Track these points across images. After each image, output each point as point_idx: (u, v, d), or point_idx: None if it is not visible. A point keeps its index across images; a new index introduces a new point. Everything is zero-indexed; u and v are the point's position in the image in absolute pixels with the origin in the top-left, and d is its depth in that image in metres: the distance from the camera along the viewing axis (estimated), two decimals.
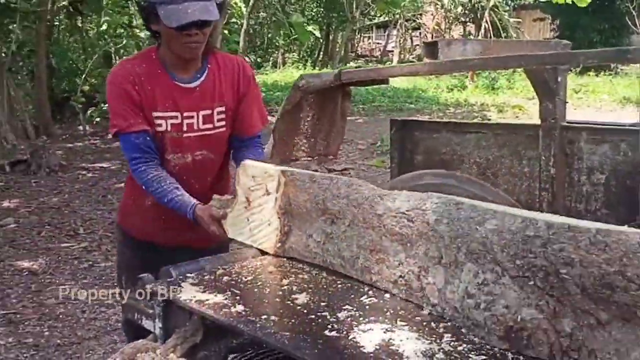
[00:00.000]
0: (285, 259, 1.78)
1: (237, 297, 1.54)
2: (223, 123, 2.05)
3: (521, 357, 1.13)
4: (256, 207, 1.77)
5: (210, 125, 2.03)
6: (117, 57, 12.73)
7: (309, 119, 1.83)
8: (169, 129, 2.01)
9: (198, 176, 2.12)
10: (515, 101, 14.46)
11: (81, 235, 5.58)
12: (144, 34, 11.24)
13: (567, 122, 1.89)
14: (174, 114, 2.00)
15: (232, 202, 1.85)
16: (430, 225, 1.29)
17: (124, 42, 12.78)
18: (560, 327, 1.08)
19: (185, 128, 2.02)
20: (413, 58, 26.36)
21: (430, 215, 1.30)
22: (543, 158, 1.87)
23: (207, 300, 1.53)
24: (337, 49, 20.81)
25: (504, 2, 20.05)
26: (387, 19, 28.17)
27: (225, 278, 1.68)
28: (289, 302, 1.51)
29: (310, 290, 1.57)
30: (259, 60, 23.59)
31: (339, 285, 1.59)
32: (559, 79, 1.78)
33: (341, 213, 1.53)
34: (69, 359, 3.47)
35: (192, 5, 1.81)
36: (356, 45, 33.87)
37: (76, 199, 6.85)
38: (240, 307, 1.47)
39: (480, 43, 1.49)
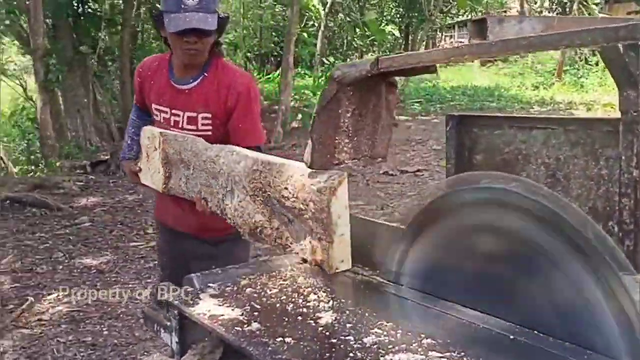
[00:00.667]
0: (319, 271, 1.61)
1: (256, 313, 1.38)
2: (209, 128, 2.22)
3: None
4: (151, 159, 2.26)
5: (193, 127, 2.23)
6: None
7: (349, 115, 1.62)
8: (161, 120, 2.30)
9: None
10: (606, 99, 13.51)
11: (150, 234, 5.62)
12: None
13: None
14: (165, 108, 2.28)
15: (141, 158, 2.37)
16: (220, 165, 1.89)
17: None
18: (273, 225, 1.73)
19: (172, 124, 2.27)
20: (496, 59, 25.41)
21: (222, 159, 1.90)
22: (624, 158, 1.56)
23: (222, 315, 1.37)
24: (416, 49, 20.31)
25: None
26: (470, 17, 27.31)
27: (249, 290, 1.52)
28: (311, 321, 1.33)
29: (338, 308, 1.38)
30: (337, 62, 23.47)
31: (373, 302, 1.40)
32: None
33: (189, 161, 2.06)
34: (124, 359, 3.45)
35: (192, 15, 2.03)
36: (437, 44, 33.15)
37: (149, 198, 6.93)
38: (255, 325, 1.31)
39: (542, 20, 1.23)
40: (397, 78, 1.68)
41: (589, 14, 17.06)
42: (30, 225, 5.90)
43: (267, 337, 1.25)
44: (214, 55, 2.23)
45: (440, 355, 1.13)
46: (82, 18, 9.94)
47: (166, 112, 2.28)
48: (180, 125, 2.25)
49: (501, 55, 1.12)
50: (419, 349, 1.16)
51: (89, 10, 10.14)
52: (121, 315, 3.97)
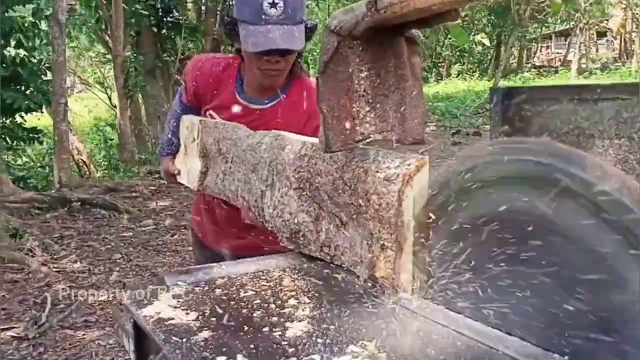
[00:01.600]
0: (318, 274, 1.31)
1: (214, 319, 1.08)
2: None
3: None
4: (189, 152, 1.97)
5: None
6: None
7: (364, 76, 1.28)
8: None
9: None
10: None
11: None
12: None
13: None
14: (223, 122, 1.89)
15: (179, 153, 2.07)
16: (261, 153, 1.55)
17: None
18: (320, 227, 1.33)
19: None
20: (597, 68, 23.87)
21: (263, 145, 1.56)
22: None
23: (171, 319, 1.09)
24: (503, 58, 19.33)
25: None
26: (568, 26, 25.86)
27: (218, 291, 1.23)
28: (276, 333, 1.02)
29: (315, 319, 1.07)
30: (424, 73, 22.96)
31: (362, 312, 1.07)
32: None
33: (228, 151, 1.73)
34: None
35: (275, 29, 1.65)
36: (533, 55, 31.77)
37: None
38: (205, 334, 1.02)
39: None
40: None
41: None
42: (97, 227, 5.94)
43: (211, 351, 0.95)
44: (294, 72, 1.88)
45: None
46: (165, 27, 10.16)
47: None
48: None
49: None
50: None
51: (172, 19, 10.35)
52: None
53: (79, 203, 6.38)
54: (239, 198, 1.68)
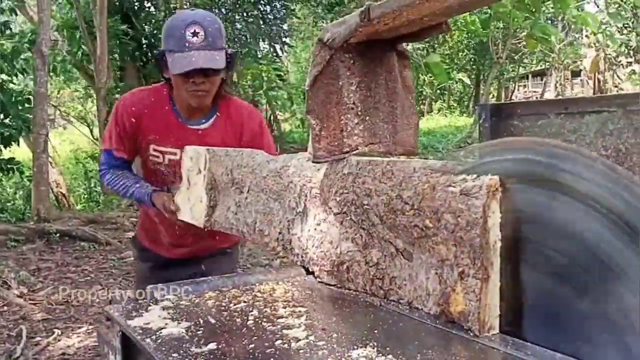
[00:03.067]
0: (300, 288, 1.29)
1: (206, 328, 1.06)
2: None
3: None
4: (193, 186, 1.83)
5: None
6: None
7: (354, 89, 1.29)
8: (165, 162, 2.05)
9: None
10: None
11: None
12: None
13: None
14: (174, 150, 2.02)
15: (181, 186, 1.92)
16: (289, 177, 1.40)
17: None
18: (370, 258, 1.18)
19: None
20: None
21: (291, 169, 1.40)
22: None
23: (161, 330, 1.06)
24: (487, 97, 19.76)
25: None
26: (544, 66, 26.54)
27: (210, 302, 1.21)
28: (276, 340, 0.99)
29: (309, 333, 1.05)
30: None
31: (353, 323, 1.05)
32: None
33: (243, 181, 1.59)
34: None
35: (197, 54, 1.84)
36: (511, 94, 32.41)
37: None
38: (200, 343, 0.99)
39: None
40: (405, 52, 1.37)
41: None
42: (76, 259, 5.83)
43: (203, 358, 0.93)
44: (223, 94, 2.06)
45: None
46: (149, 62, 10.21)
47: (175, 154, 2.02)
48: None
49: None
50: None
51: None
52: None
53: (58, 235, 6.27)
54: (256, 232, 1.54)
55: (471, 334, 0.95)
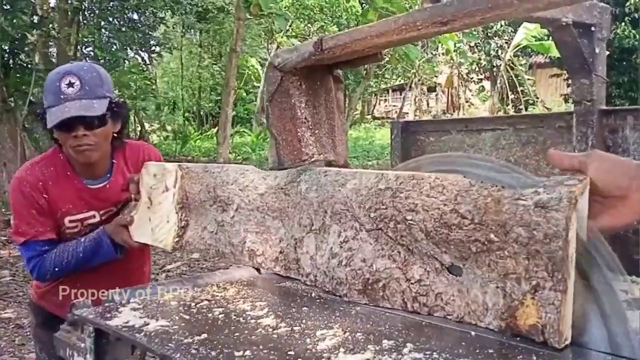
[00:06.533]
0: (250, 286, 1.45)
1: (187, 323, 1.19)
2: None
3: None
4: (157, 205, 1.73)
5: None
6: None
7: (304, 106, 1.49)
8: (86, 230, 1.97)
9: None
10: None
11: None
12: None
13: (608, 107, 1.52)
14: (90, 213, 1.98)
15: (138, 205, 1.81)
16: (302, 194, 1.35)
17: None
18: (410, 275, 1.14)
19: (106, 224, 1.96)
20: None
21: (302, 185, 1.36)
22: (577, 152, 1.50)
23: (145, 326, 1.18)
24: (354, 109, 20.77)
25: (520, 58, 19.94)
26: (403, 82, 28.29)
27: (174, 303, 1.34)
28: (256, 329, 1.15)
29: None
30: None
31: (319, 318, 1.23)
32: (597, 50, 1.42)
33: (230, 199, 1.53)
34: None
35: (72, 104, 1.77)
36: (373, 108, 34.03)
37: None
38: (189, 334, 1.12)
39: None
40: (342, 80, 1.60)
41: (516, 75, 17.98)
42: None
43: (204, 348, 1.07)
44: (116, 145, 2.00)
45: None
46: (12, 70, 9.60)
47: (93, 217, 2.00)
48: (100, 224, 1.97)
49: (459, 21, 1.04)
50: None
51: (20, 62, 9.82)
52: None
53: None
54: (243, 253, 1.49)
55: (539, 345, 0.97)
